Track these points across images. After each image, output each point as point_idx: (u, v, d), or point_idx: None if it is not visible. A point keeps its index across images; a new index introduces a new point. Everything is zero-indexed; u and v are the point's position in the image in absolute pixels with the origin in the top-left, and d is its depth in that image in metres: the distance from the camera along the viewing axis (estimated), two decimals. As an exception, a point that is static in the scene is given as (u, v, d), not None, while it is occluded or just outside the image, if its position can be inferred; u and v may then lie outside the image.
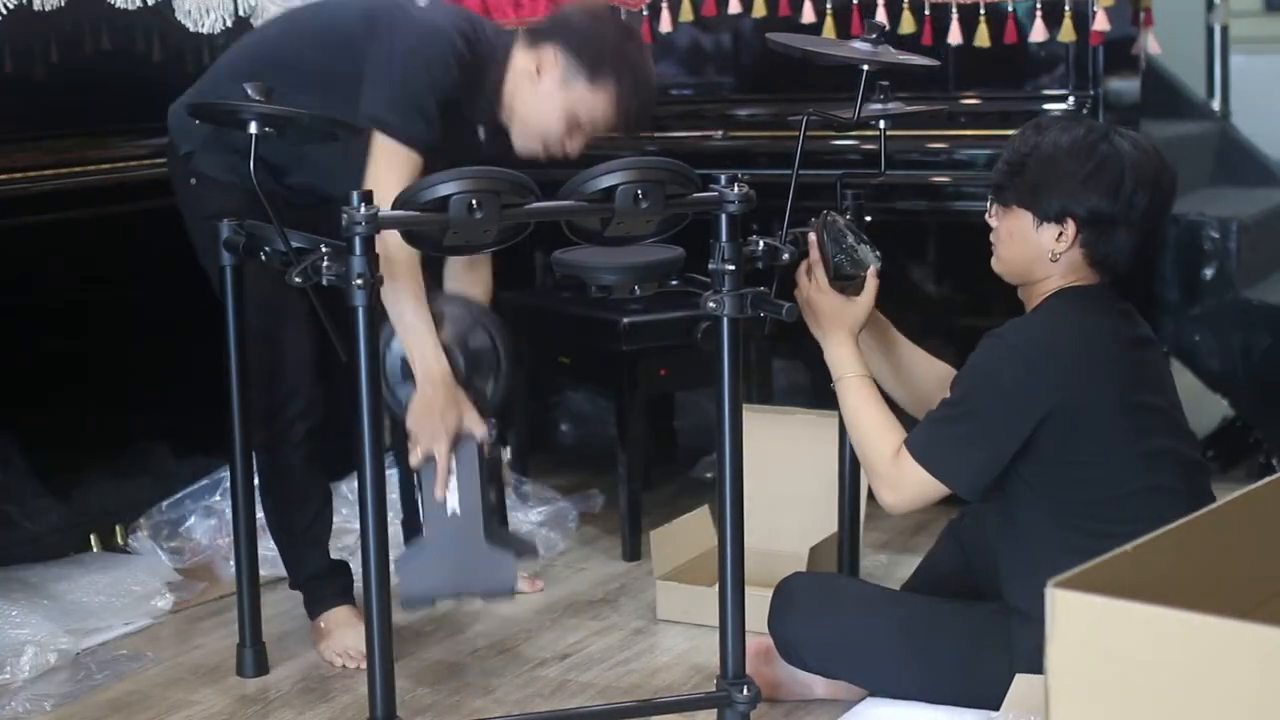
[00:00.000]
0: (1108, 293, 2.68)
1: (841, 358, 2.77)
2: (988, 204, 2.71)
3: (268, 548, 3.22)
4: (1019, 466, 2.60)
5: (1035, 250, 2.63)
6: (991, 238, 2.71)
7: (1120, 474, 2.57)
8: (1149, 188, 2.57)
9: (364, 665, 2.63)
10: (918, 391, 2.93)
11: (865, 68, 2.86)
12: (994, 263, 2.72)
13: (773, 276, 2.74)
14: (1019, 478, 2.61)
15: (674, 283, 2.72)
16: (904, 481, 2.62)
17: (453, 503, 2.76)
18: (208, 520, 3.63)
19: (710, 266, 2.53)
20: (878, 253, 2.81)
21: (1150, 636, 1.56)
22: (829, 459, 3.15)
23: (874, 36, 2.91)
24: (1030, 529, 2.62)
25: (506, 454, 3.00)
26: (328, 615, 3.17)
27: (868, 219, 3.05)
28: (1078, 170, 2.57)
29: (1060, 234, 2.60)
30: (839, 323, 2.77)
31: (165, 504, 3.66)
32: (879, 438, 2.67)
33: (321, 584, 3.20)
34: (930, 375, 2.94)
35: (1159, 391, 2.66)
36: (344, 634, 3.13)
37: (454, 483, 2.76)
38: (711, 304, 2.53)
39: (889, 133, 3.05)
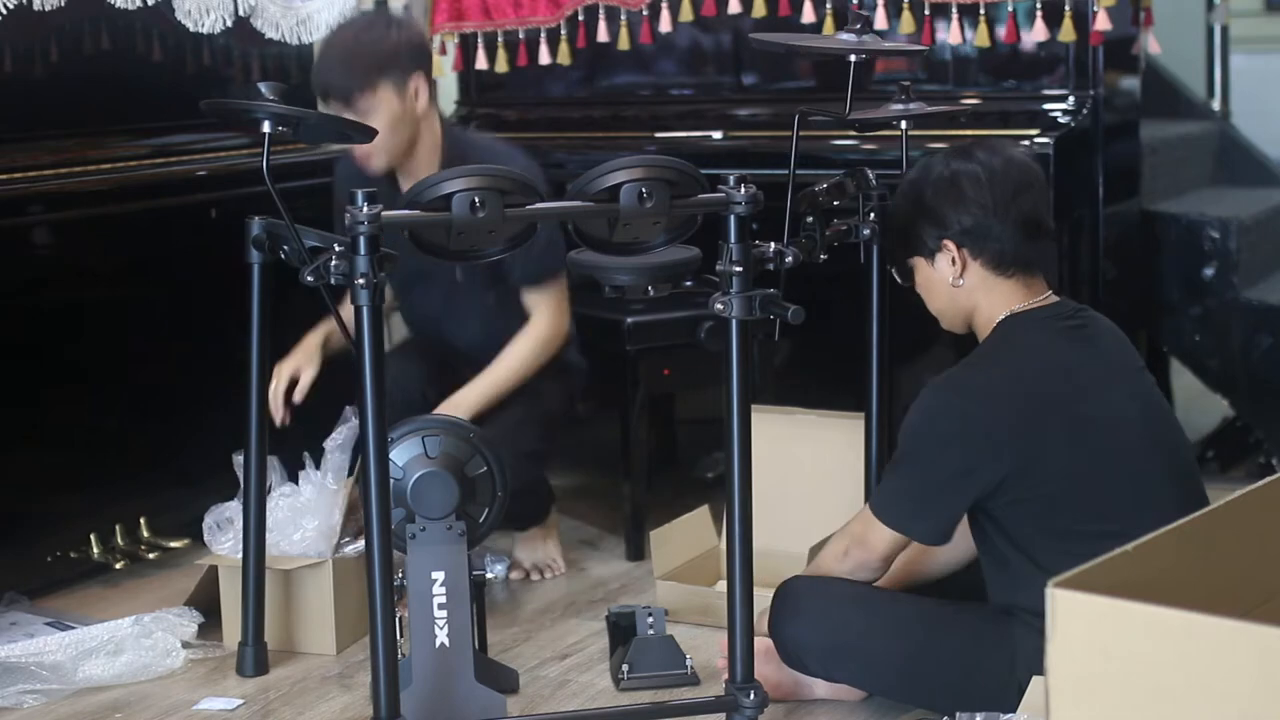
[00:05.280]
0: (1055, 309, 2.67)
1: None
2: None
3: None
4: (980, 511, 2.61)
5: (945, 287, 2.68)
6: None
7: (1081, 503, 2.54)
8: (993, 182, 2.62)
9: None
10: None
11: (851, 58, 2.85)
12: (942, 323, 2.77)
13: (780, 278, 2.72)
14: (984, 518, 2.63)
15: (688, 283, 2.70)
16: (873, 542, 2.66)
17: (442, 636, 2.74)
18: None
19: (718, 268, 2.51)
20: None
21: (1150, 636, 1.56)
22: (831, 459, 3.15)
23: (858, 27, 2.90)
24: (1009, 562, 2.62)
25: (493, 571, 3.00)
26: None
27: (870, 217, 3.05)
28: (925, 195, 2.66)
29: (951, 259, 2.65)
30: None
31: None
32: (840, 528, 2.75)
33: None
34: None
35: (1105, 404, 2.60)
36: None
37: (444, 615, 2.74)
38: (720, 305, 2.51)
39: (884, 134, 3.04)
